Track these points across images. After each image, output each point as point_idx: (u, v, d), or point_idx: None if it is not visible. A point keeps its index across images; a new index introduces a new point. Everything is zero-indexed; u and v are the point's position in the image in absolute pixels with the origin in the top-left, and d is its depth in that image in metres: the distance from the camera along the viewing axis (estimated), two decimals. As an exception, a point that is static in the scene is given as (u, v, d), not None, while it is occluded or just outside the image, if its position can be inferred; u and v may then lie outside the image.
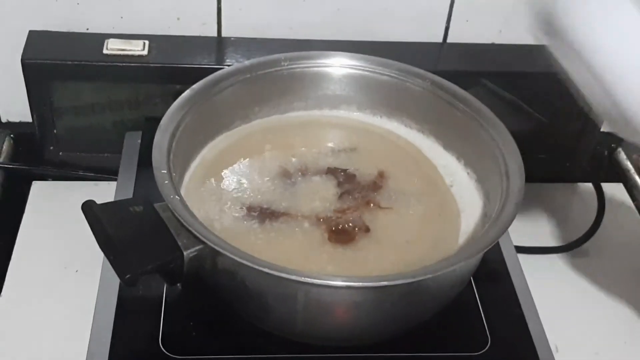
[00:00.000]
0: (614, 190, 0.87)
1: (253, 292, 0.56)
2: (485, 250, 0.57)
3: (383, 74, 0.70)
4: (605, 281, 0.77)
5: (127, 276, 0.53)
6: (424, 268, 0.54)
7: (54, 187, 0.82)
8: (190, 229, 0.55)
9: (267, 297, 0.56)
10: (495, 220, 0.58)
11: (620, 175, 0.90)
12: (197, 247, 0.55)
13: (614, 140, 0.91)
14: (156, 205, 0.58)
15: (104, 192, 0.70)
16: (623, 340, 0.72)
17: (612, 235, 0.81)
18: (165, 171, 0.58)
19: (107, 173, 0.81)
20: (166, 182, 0.57)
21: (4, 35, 0.79)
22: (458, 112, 0.68)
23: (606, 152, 0.91)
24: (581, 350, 0.70)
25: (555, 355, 0.64)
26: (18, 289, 0.71)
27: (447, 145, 0.70)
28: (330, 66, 0.71)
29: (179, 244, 0.55)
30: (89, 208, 0.56)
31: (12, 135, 0.86)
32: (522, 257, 0.72)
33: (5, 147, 0.84)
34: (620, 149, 0.91)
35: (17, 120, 0.85)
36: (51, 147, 0.82)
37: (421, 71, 0.70)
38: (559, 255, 0.79)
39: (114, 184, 0.74)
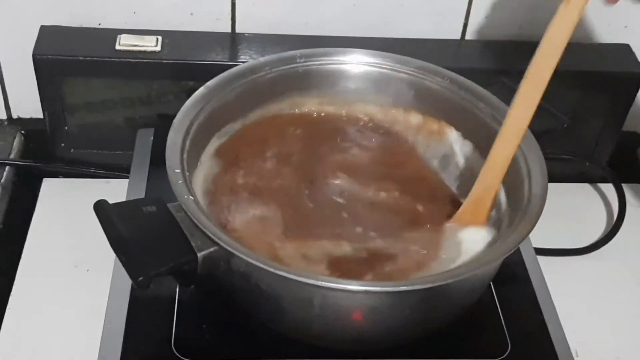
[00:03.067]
0: (635, 191, 0.85)
1: (267, 294, 0.55)
2: (507, 255, 0.55)
3: (401, 71, 0.69)
4: (627, 284, 0.76)
5: (140, 278, 0.52)
6: (444, 273, 0.53)
7: (65, 184, 0.82)
8: (204, 230, 0.53)
9: (282, 300, 0.55)
10: (517, 224, 0.57)
11: (641, 176, 0.88)
12: (211, 249, 0.54)
13: (635, 140, 0.90)
14: (170, 205, 0.57)
15: (115, 189, 0.69)
16: (645, 345, 0.71)
17: (634, 236, 0.80)
18: (178, 170, 0.57)
19: (118, 170, 0.80)
20: (180, 181, 0.56)
21: (15, 31, 0.78)
22: (477, 111, 0.66)
23: (627, 152, 0.89)
24: (601, 354, 0.69)
25: (576, 360, 0.63)
26: (28, 287, 0.70)
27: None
28: (347, 63, 0.69)
29: (193, 245, 0.54)
30: (101, 208, 0.55)
31: (22, 132, 0.85)
32: (542, 259, 0.70)
33: (16, 143, 0.83)
34: (640, 149, 0.90)
35: (27, 116, 0.84)
36: (62, 144, 0.81)
37: (440, 69, 0.69)
38: (579, 257, 0.78)
39: (125, 181, 0.73)
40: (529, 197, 0.58)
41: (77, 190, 0.80)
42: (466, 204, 0.62)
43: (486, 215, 0.61)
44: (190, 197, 0.55)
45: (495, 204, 0.62)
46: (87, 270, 0.72)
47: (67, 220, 0.76)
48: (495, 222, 0.62)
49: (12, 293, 0.70)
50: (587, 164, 0.85)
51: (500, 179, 0.61)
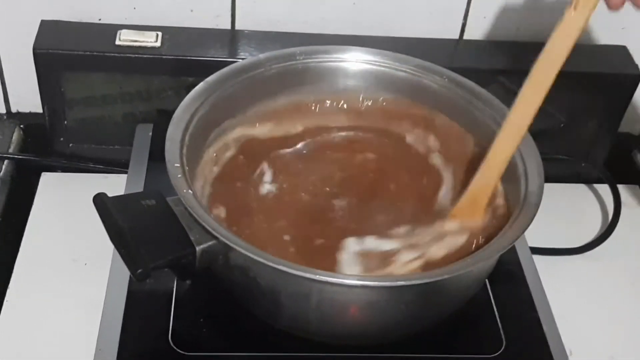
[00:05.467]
0: (630, 192, 0.86)
1: (265, 289, 0.55)
2: (502, 252, 0.56)
3: (399, 69, 0.69)
4: (622, 283, 0.76)
5: (139, 271, 0.52)
6: (440, 269, 0.53)
7: (64, 178, 0.82)
8: (202, 223, 0.54)
9: (279, 295, 0.55)
10: (513, 222, 0.57)
11: (637, 177, 0.88)
12: (209, 243, 0.54)
13: (631, 141, 0.90)
14: (169, 199, 0.57)
15: (113, 184, 0.69)
16: (638, 344, 0.71)
17: (629, 236, 0.80)
18: (178, 165, 0.58)
19: (117, 165, 0.80)
20: (179, 175, 0.57)
21: (16, 25, 0.78)
22: (476, 110, 0.67)
23: (623, 153, 0.90)
24: (596, 353, 0.69)
25: (570, 359, 0.63)
26: (26, 281, 0.70)
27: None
28: (346, 61, 0.69)
29: (192, 239, 0.54)
30: (100, 201, 0.56)
31: (22, 126, 0.85)
32: (537, 258, 0.71)
33: (15, 137, 0.83)
34: (635, 151, 0.90)
35: (27, 110, 0.84)
36: (61, 139, 0.81)
37: (439, 67, 0.69)
38: (574, 256, 0.78)
39: (123, 176, 0.73)
40: (525, 195, 0.59)
41: (75, 184, 0.80)
42: (463, 199, 0.62)
43: (482, 212, 0.62)
44: (190, 191, 0.56)
45: (492, 202, 0.62)
46: (85, 264, 0.72)
47: (66, 214, 0.76)
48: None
49: (9, 286, 0.70)
50: (583, 164, 0.86)
51: (499, 177, 0.61)
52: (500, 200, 0.62)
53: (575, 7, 0.57)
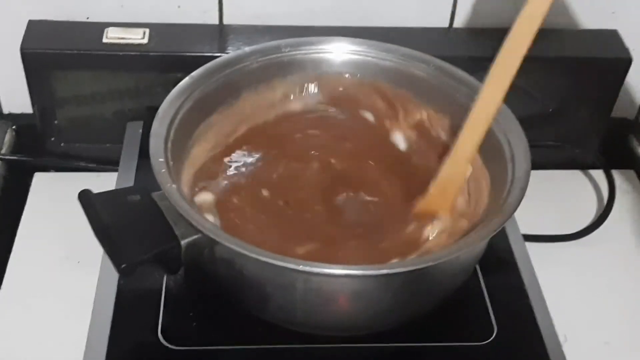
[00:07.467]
0: (625, 177, 0.85)
1: (251, 281, 0.55)
2: (488, 238, 0.56)
3: (385, 59, 0.69)
4: (616, 270, 0.75)
5: (123, 266, 0.52)
6: (425, 256, 0.53)
7: (56, 178, 0.82)
8: (187, 217, 0.54)
9: (265, 287, 0.55)
10: (500, 207, 0.57)
11: (631, 162, 0.88)
12: (194, 236, 0.54)
13: (624, 126, 0.89)
14: (154, 194, 0.57)
15: (106, 182, 0.69)
16: (633, 330, 0.70)
17: (623, 222, 0.80)
18: (162, 159, 0.57)
19: (109, 163, 0.80)
20: (163, 170, 0.57)
21: (4, 26, 0.78)
22: (463, 97, 0.66)
23: (617, 139, 0.89)
24: (591, 339, 0.69)
25: (565, 345, 0.63)
26: (19, 280, 0.71)
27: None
28: (331, 52, 0.69)
29: (176, 233, 0.54)
30: (85, 197, 0.56)
31: (14, 127, 0.85)
32: (531, 246, 0.70)
33: (7, 138, 0.84)
34: (631, 135, 0.89)
35: (18, 111, 0.85)
36: (52, 138, 0.81)
37: (425, 56, 0.69)
38: (569, 243, 0.78)
39: (116, 174, 0.73)
40: (512, 181, 0.58)
41: (68, 183, 0.80)
42: (432, 189, 0.62)
43: (451, 201, 0.62)
44: (173, 185, 0.56)
45: (462, 191, 0.62)
46: (78, 262, 0.72)
47: (58, 213, 0.76)
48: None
49: (3, 285, 0.70)
50: (576, 150, 0.85)
51: (467, 165, 0.61)
52: (485, 187, 0.62)
53: None
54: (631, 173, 0.86)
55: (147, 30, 0.77)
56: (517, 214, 0.64)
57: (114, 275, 0.63)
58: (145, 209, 0.56)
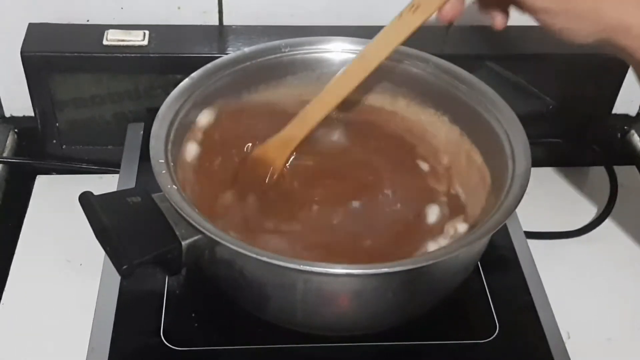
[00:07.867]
0: (627, 173, 0.85)
1: (252, 281, 0.55)
2: (489, 236, 0.55)
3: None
4: (618, 266, 0.75)
5: (124, 267, 0.52)
6: (425, 255, 0.53)
7: (58, 180, 0.82)
8: (187, 218, 0.54)
9: (265, 287, 0.55)
10: (500, 205, 0.57)
11: (633, 158, 0.87)
12: (195, 237, 0.54)
13: (626, 123, 0.89)
14: (154, 195, 0.57)
15: (108, 184, 0.70)
16: (636, 326, 0.70)
17: (625, 218, 0.80)
18: (162, 161, 0.58)
19: (110, 165, 0.81)
20: (163, 171, 0.57)
21: (4, 29, 0.78)
22: (463, 95, 0.66)
23: (618, 135, 0.89)
24: (593, 336, 0.69)
25: (567, 342, 0.63)
26: (22, 282, 0.71)
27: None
28: (331, 51, 0.69)
29: (177, 234, 0.54)
30: (85, 199, 0.56)
31: (16, 130, 0.85)
32: (533, 243, 0.71)
33: (9, 142, 0.84)
34: (632, 131, 0.89)
35: (20, 114, 0.85)
36: (54, 141, 0.81)
37: (424, 54, 0.69)
38: (571, 240, 0.78)
39: (118, 176, 0.73)
40: (512, 178, 0.58)
41: (70, 186, 0.79)
42: (274, 139, 0.66)
43: (286, 158, 0.65)
44: (174, 186, 0.56)
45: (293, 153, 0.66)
46: (80, 265, 0.73)
47: (61, 216, 0.77)
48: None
49: (6, 287, 0.70)
50: (578, 147, 0.85)
51: (306, 133, 0.65)
52: (486, 185, 0.62)
53: (414, 11, 0.60)
54: (633, 169, 0.86)
55: (147, 32, 0.77)
56: (518, 211, 0.65)
57: (116, 277, 0.63)
58: (146, 210, 0.56)
